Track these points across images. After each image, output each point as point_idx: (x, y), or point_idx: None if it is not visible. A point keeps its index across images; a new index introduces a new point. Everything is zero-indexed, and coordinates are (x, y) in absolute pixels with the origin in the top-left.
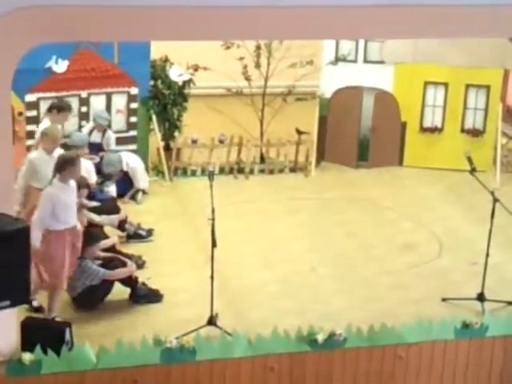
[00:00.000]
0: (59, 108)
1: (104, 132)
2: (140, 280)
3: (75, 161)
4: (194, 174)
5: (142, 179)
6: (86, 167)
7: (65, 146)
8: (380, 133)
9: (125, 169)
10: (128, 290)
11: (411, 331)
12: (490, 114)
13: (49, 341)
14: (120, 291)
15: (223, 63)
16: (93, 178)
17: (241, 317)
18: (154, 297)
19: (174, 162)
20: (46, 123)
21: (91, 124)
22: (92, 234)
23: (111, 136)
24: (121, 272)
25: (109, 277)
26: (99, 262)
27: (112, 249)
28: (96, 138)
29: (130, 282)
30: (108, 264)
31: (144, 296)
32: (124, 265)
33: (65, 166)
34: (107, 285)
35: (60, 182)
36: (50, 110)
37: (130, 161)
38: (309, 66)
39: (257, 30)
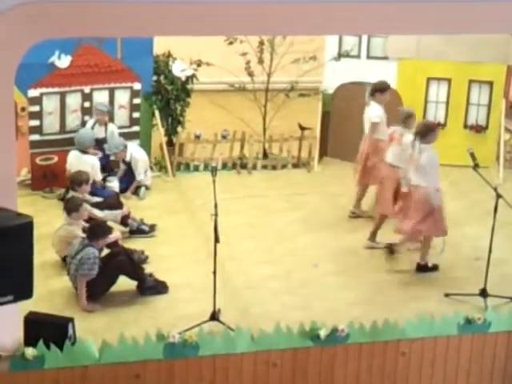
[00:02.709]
0: (381, 89)
1: (106, 126)
2: (147, 271)
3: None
4: (196, 169)
5: (142, 173)
6: (92, 163)
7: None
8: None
9: (128, 159)
10: (131, 283)
11: (414, 327)
12: (493, 110)
13: (52, 336)
14: (123, 285)
15: (226, 59)
16: (98, 176)
17: (243, 312)
18: (160, 288)
19: (177, 158)
20: (374, 107)
21: (93, 120)
22: (102, 226)
23: (114, 129)
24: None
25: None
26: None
27: (114, 244)
28: (99, 133)
29: (135, 275)
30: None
31: (150, 287)
32: (130, 257)
33: (428, 132)
34: (111, 276)
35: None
36: (373, 93)
37: (135, 152)
38: (312, 61)
39: (260, 25)
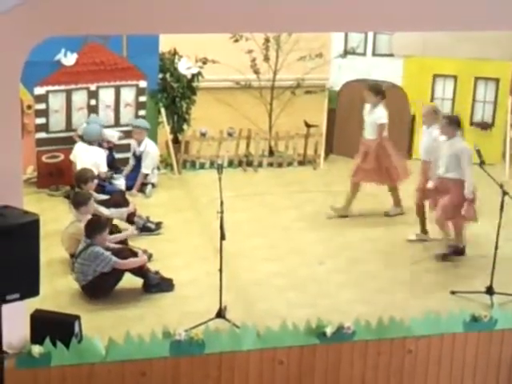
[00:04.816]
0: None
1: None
2: (153, 269)
3: None
4: (202, 166)
5: (150, 167)
6: (99, 154)
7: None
8: (389, 126)
9: (142, 149)
10: (137, 281)
11: (420, 324)
12: (499, 107)
13: (58, 333)
14: (129, 283)
15: (232, 56)
16: (104, 167)
17: (249, 309)
18: (166, 286)
19: (183, 155)
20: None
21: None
22: (99, 221)
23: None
24: (132, 262)
25: (120, 266)
26: (109, 252)
27: (122, 242)
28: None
29: (140, 272)
30: (118, 254)
31: (156, 285)
32: (135, 255)
33: None
34: (117, 274)
35: None
36: (381, 95)
37: (149, 145)
38: (318, 58)
39: (266, 22)
